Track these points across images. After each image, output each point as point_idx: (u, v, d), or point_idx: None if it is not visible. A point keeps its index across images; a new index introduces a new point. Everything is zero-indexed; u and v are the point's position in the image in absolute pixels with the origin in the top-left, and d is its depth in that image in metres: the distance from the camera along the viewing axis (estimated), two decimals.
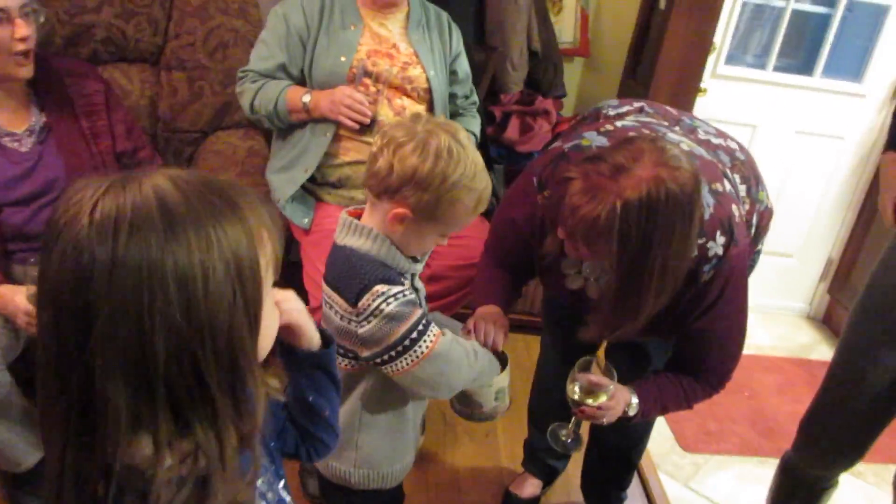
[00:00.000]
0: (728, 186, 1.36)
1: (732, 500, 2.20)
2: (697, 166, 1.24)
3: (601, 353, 1.69)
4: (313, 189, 1.91)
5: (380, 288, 1.16)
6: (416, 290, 1.26)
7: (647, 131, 1.40)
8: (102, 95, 1.73)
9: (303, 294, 1.86)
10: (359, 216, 1.23)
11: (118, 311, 0.60)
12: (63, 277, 0.61)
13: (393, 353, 1.20)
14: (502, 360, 1.44)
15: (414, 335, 1.19)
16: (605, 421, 1.43)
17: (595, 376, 1.41)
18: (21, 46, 1.52)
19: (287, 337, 0.88)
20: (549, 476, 2.04)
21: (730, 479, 2.29)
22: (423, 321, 1.21)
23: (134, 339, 0.60)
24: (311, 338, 0.90)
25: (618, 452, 1.87)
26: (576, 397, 1.42)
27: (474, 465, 2.14)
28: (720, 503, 2.19)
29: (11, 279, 1.59)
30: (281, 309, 0.81)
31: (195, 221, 0.62)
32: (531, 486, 2.02)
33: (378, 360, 1.21)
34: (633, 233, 1.14)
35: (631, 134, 1.36)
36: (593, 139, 1.40)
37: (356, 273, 1.18)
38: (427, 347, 1.21)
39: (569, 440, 1.55)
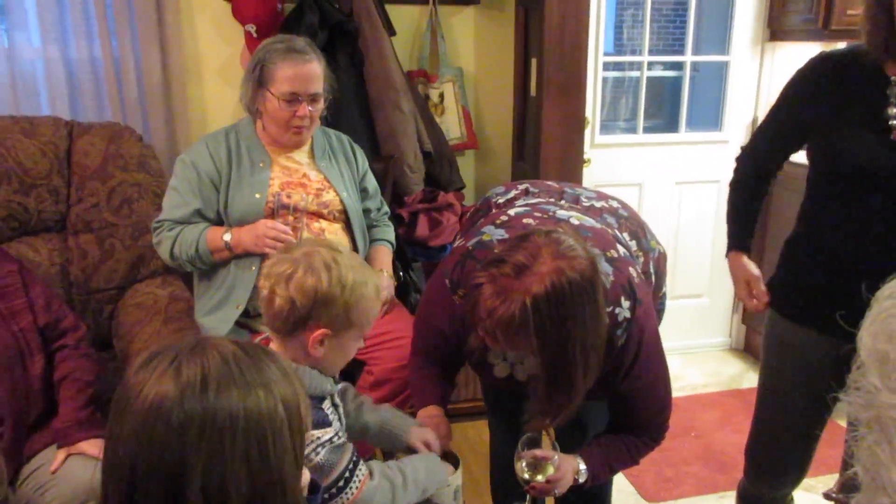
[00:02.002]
0: (622, 250, 1.46)
1: None
2: (590, 248, 1.33)
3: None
4: (246, 322, 1.93)
5: (311, 434, 1.19)
6: (334, 406, 1.31)
7: (538, 214, 1.51)
8: (17, 275, 1.71)
9: None
10: None
11: (212, 460, 0.66)
12: (151, 439, 0.66)
13: (325, 496, 1.23)
14: (453, 460, 1.48)
15: (341, 483, 1.24)
16: (557, 493, 1.47)
17: (539, 451, 1.45)
18: None
19: None
20: None
21: None
22: (351, 464, 1.25)
23: (223, 485, 0.66)
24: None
25: None
26: (525, 476, 1.45)
27: None
28: None
29: None
30: None
31: (262, 377, 0.70)
32: None
33: None
34: (548, 324, 1.22)
35: (526, 226, 1.46)
36: (493, 233, 1.48)
37: None
38: (353, 494, 1.25)
39: None
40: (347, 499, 1.23)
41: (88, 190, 2.22)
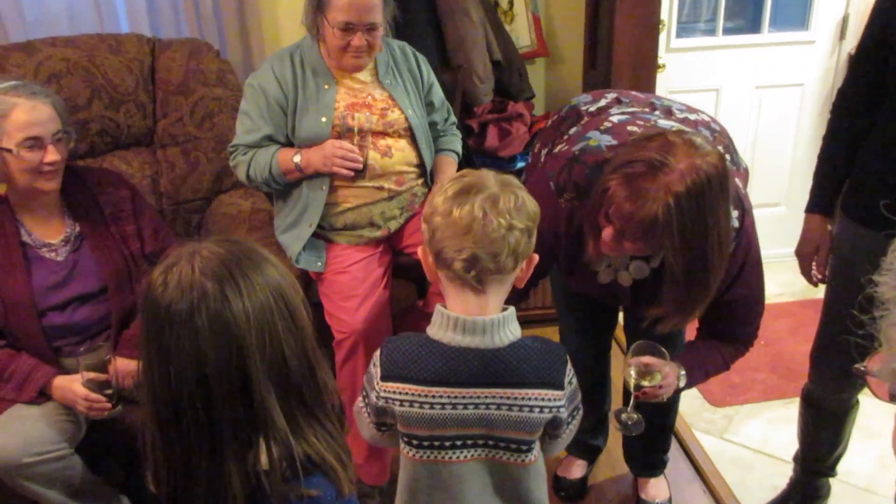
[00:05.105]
0: (728, 160, 1.44)
1: (767, 442, 2.31)
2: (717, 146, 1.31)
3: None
4: (321, 233, 1.99)
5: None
6: None
7: (640, 122, 1.49)
8: (130, 202, 1.83)
9: (325, 331, 1.97)
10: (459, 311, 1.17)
11: (262, 339, 0.83)
12: (212, 336, 0.81)
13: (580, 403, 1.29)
14: None
15: (579, 403, 1.29)
16: (664, 398, 1.51)
17: (647, 358, 1.47)
18: (49, 168, 1.62)
19: None
20: (592, 455, 2.14)
21: (761, 424, 2.40)
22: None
23: (276, 355, 0.84)
24: None
25: (652, 419, 1.96)
26: (633, 381, 1.49)
27: None
28: (756, 448, 2.29)
29: (64, 371, 1.67)
30: None
31: (265, 261, 0.87)
32: (578, 468, 2.12)
33: (571, 418, 1.27)
34: (689, 221, 1.22)
35: (631, 133, 1.44)
36: (599, 138, 1.47)
37: (554, 357, 1.20)
38: (581, 412, 1.31)
39: (630, 423, 1.58)
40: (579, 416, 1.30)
41: (172, 105, 2.32)
